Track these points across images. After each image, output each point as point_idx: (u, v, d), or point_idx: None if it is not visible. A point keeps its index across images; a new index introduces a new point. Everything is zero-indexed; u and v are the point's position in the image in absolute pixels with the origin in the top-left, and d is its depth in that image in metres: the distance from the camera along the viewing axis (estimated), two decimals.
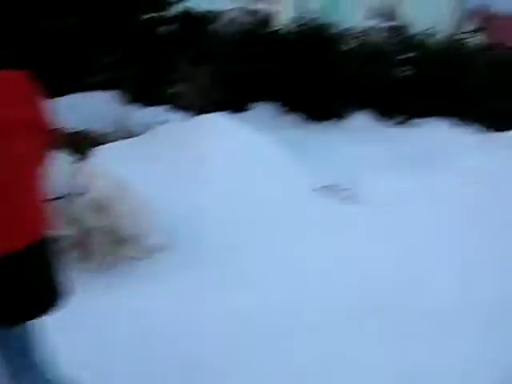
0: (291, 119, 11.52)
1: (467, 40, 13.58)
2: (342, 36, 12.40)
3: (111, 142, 7.13)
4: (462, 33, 14.99)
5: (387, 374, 3.07)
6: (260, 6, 16.17)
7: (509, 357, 3.28)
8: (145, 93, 9.85)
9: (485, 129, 12.05)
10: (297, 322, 3.57)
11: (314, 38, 11.70)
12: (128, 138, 7.21)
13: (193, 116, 7.17)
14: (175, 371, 3.00)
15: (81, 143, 6.36)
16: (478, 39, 13.95)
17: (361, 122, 11.64)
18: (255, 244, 4.68)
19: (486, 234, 5.32)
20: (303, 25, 12.12)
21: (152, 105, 9.90)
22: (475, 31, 13.97)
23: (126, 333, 3.30)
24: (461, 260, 4.73)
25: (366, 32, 13.49)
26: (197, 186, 5.59)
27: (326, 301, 3.87)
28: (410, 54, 13.01)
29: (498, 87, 11.99)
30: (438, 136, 10.52)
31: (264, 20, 13.02)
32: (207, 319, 3.52)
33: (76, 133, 7.54)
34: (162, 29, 8.81)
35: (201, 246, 4.39)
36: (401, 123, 12.49)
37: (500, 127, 11.68)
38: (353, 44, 12.74)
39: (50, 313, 2.11)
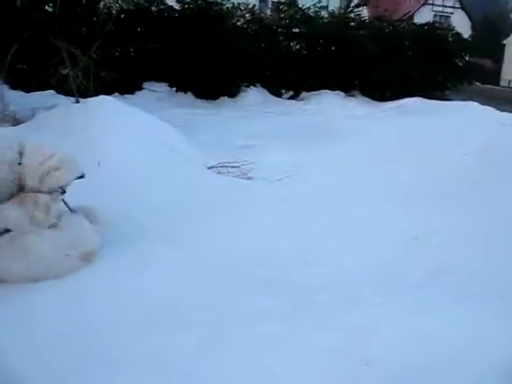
0: (182, 99, 11.42)
1: (353, 14, 13.97)
2: (232, 12, 12.41)
3: None
4: (348, 7, 15.43)
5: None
6: None
7: None
8: (28, 78, 9.45)
9: (370, 99, 12.53)
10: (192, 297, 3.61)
11: (203, 15, 11.59)
12: (13, 124, 6.93)
13: (79, 100, 6.96)
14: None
15: None
16: (363, 13, 14.35)
17: (253, 98, 11.72)
18: (161, 225, 4.64)
19: (385, 203, 5.50)
20: (191, 2, 11.98)
21: (36, 90, 9.52)
22: (360, 5, 14.35)
23: None
24: (355, 233, 4.83)
25: (255, 8, 13.60)
26: (90, 173, 5.46)
27: (225, 275, 3.92)
28: (300, 30, 13.24)
29: (380, 59, 12.44)
30: (329, 108, 10.77)
31: None
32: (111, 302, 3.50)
33: None
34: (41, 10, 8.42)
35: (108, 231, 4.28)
36: (293, 97, 12.74)
37: (384, 97, 12.20)
38: (243, 20, 12.78)
39: None
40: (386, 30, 13.50)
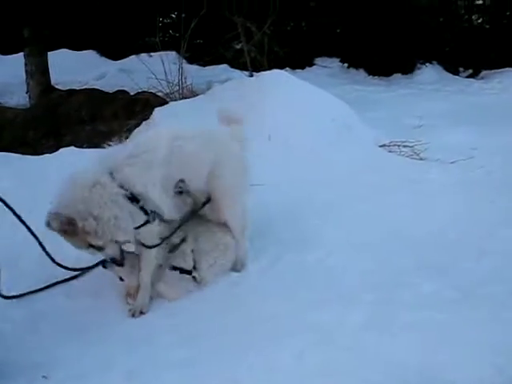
0: (353, 75, 11.25)
1: None
2: None
3: (174, 101, 7.21)
4: None
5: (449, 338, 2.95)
6: None
7: None
8: (204, 52, 9.85)
9: None
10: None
11: None
12: (190, 97, 7.25)
13: (252, 74, 7.11)
14: None
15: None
16: None
17: (428, 76, 11.22)
18: (330, 200, 4.68)
19: None
20: None
21: (211, 64, 9.91)
22: None
23: None
24: None
25: None
26: (260, 145, 5.57)
27: (393, 256, 3.85)
28: (484, 1, 12.43)
29: None
30: None
31: None
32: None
33: (139, 93, 7.65)
34: None
35: (268, 207, 4.39)
36: (472, 75, 11.99)
37: None
38: None
39: None
40: None
